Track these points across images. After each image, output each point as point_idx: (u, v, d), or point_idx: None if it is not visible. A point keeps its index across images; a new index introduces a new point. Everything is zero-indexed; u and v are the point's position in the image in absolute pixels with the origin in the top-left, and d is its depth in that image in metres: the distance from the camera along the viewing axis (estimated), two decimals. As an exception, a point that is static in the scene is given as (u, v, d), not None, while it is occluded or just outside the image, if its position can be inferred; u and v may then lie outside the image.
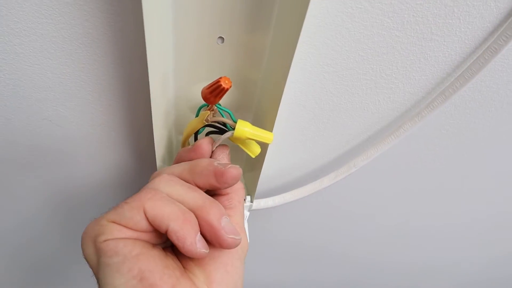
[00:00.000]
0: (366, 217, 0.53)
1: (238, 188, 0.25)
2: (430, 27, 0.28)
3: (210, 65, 0.27)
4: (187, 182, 0.22)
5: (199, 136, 0.27)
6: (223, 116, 0.24)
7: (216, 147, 0.25)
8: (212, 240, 0.20)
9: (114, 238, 0.19)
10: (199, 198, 0.21)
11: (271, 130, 0.27)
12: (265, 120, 0.28)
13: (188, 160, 0.24)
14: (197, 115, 0.26)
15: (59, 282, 0.57)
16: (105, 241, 0.19)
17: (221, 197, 0.24)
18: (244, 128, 0.23)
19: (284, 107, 0.33)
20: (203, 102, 0.24)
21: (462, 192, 0.51)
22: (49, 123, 0.31)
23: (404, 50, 0.29)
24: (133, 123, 0.32)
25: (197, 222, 0.20)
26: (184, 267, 0.21)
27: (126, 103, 0.30)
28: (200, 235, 0.20)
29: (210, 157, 0.25)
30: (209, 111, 0.24)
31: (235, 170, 0.22)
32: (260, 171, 0.32)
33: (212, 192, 0.25)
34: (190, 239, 0.19)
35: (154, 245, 0.21)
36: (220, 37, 0.25)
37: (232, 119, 0.24)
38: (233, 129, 0.24)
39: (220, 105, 0.24)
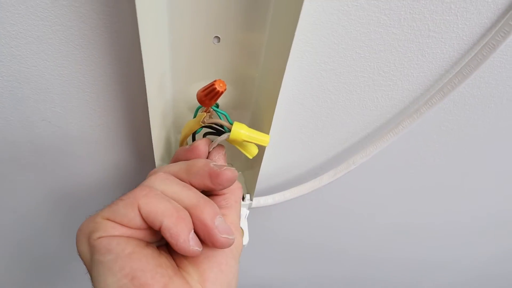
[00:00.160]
0: (365, 214, 0.53)
1: (235, 188, 0.25)
2: (427, 24, 0.27)
3: (207, 64, 0.27)
4: (183, 181, 0.23)
5: (197, 135, 0.28)
6: (220, 118, 0.24)
7: (213, 148, 0.25)
8: (205, 239, 0.20)
9: (108, 236, 0.19)
10: (193, 196, 0.21)
11: (269, 128, 0.27)
12: (263, 119, 0.28)
13: (185, 160, 0.24)
14: (195, 116, 0.26)
15: (58, 280, 0.58)
16: (99, 238, 0.19)
17: (218, 196, 0.24)
18: (240, 130, 0.24)
19: (282, 105, 0.33)
20: (201, 103, 0.24)
21: (461, 189, 0.51)
22: (48, 124, 0.31)
23: (402, 47, 0.29)
24: (131, 123, 0.32)
25: (191, 220, 0.20)
26: (178, 266, 0.21)
27: (124, 104, 0.30)
28: (194, 233, 0.20)
29: (207, 157, 0.25)
30: (205, 113, 0.24)
31: (230, 172, 0.22)
32: (259, 169, 0.32)
33: (209, 192, 0.25)
34: (183, 236, 0.19)
35: (148, 243, 0.21)
36: (216, 37, 0.25)
37: (228, 121, 0.24)
38: (230, 131, 0.24)
39: (217, 107, 0.24)
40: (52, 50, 0.26)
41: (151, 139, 0.28)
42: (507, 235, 0.68)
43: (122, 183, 0.39)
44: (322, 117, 0.35)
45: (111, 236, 0.19)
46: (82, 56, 0.26)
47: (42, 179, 0.38)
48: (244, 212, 0.36)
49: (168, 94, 0.28)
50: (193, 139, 0.28)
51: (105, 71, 0.27)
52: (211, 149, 0.25)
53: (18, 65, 0.26)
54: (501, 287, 0.91)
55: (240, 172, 0.38)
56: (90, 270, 0.20)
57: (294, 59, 0.29)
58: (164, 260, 0.20)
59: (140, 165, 0.37)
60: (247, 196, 0.36)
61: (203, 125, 0.24)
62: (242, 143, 0.24)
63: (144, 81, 0.23)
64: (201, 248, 0.20)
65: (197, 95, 0.23)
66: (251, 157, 0.25)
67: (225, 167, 0.22)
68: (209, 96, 0.22)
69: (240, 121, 0.32)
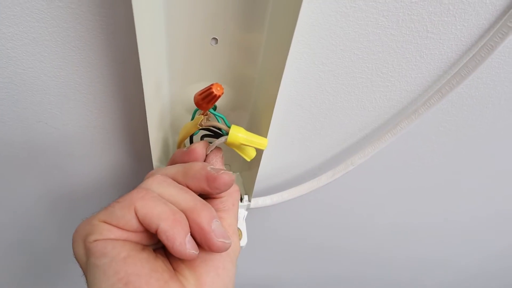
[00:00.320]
0: (364, 214, 0.53)
1: (233, 191, 0.25)
2: (426, 25, 0.27)
3: (204, 66, 0.27)
4: (180, 184, 0.22)
5: (194, 137, 0.27)
6: (218, 121, 0.24)
7: (210, 151, 0.25)
8: (201, 243, 0.20)
9: (104, 239, 0.19)
10: (190, 199, 0.21)
11: (267, 129, 0.27)
12: (261, 120, 0.28)
13: (182, 163, 0.24)
14: (192, 118, 0.26)
15: (58, 280, 0.58)
16: (94, 241, 0.19)
17: (215, 199, 0.24)
18: (237, 134, 0.23)
19: (280, 106, 0.33)
20: (198, 104, 0.24)
21: (460, 189, 0.51)
22: (44, 125, 0.31)
23: (400, 48, 0.29)
24: (128, 125, 0.32)
25: (187, 223, 0.20)
26: (174, 270, 0.21)
27: (121, 105, 0.30)
28: (190, 236, 0.20)
29: (204, 160, 0.25)
30: (203, 116, 0.24)
31: (228, 176, 0.22)
32: (258, 170, 0.32)
33: (206, 195, 0.25)
34: (179, 239, 0.19)
35: (144, 247, 0.21)
36: (214, 38, 0.25)
37: (226, 124, 0.24)
38: (227, 134, 0.24)
39: (214, 109, 0.24)
40: (49, 51, 0.25)
41: (149, 140, 0.28)
42: (505, 233, 0.68)
43: (119, 183, 0.39)
44: (320, 118, 0.35)
45: (106, 239, 0.19)
46: (78, 57, 0.26)
47: (39, 180, 0.37)
48: (242, 213, 0.36)
49: (165, 95, 0.28)
50: (191, 141, 0.28)
51: (102, 72, 0.27)
52: (208, 152, 0.25)
53: (14, 66, 0.26)
54: (500, 285, 0.92)
55: (238, 173, 0.38)
56: (85, 273, 0.20)
57: (292, 61, 0.28)
58: (160, 264, 0.20)
59: (137, 166, 0.37)
60: (245, 197, 0.36)
61: (200, 127, 0.24)
62: (239, 146, 0.24)
63: (141, 83, 0.23)
64: (198, 252, 0.20)
65: (194, 98, 0.23)
66: (249, 160, 0.25)
67: (222, 171, 0.22)
68: (206, 99, 0.22)
69: (238, 122, 0.32)
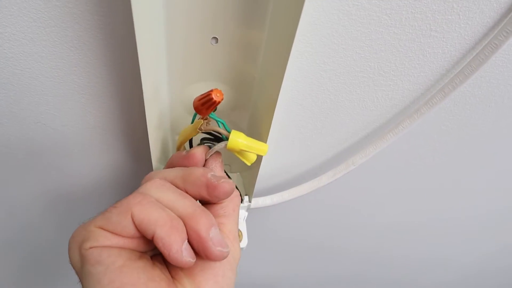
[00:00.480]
0: (365, 214, 0.53)
1: (233, 196, 0.24)
2: (429, 24, 0.27)
3: (204, 66, 0.26)
4: (179, 189, 0.22)
5: (194, 139, 0.27)
6: (218, 125, 0.24)
7: (210, 156, 0.25)
8: (199, 251, 0.20)
9: (99, 246, 0.19)
10: (189, 206, 0.20)
11: (268, 130, 0.27)
12: (262, 120, 0.28)
13: (181, 166, 0.24)
14: (192, 121, 0.25)
15: (56, 280, 0.58)
16: (90, 248, 0.19)
17: (215, 205, 0.24)
18: (238, 139, 0.23)
19: (281, 106, 0.32)
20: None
21: (461, 188, 0.51)
22: (42, 126, 0.31)
23: (403, 47, 0.28)
24: (127, 125, 0.32)
25: (185, 230, 0.19)
26: (173, 277, 0.21)
27: (120, 105, 0.30)
28: (187, 244, 0.19)
29: (204, 165, 0.24)
30: (202, 120, 0.24)
31: (228, 185, 0.21)
32: (258, 170, 0.32)
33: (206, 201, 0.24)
34: (176, 246, 0.18)
35: (141, 254, 0.20)
36: (214, 38, 0.25)
37: (226, 129, 0.24)
38: (227, 139, 0.23)
39: (214, 114, 0.24)
40: (46, 52, 0.25)
41: (148, 141, 0.27)
42: (506, 232, 0.68)
43: (118, 183, 0.39)
44: (321, 118, 0.34)
45: (102, 246, 0.19)
46: (76, 57, 0.26)
47: (37, 181, 0.37)
48: (243, 214, 0.36)
49: (165, 95, 0.28)
50: (190, 144, 0.27)
51: (100, 72, 0.27)
52: (208, 157, 0.25)
53: (12, 67, 0.26)
54: (501, 283, 0.92)
55: (238, 173, 0.38)
56: (81, 280, 0.19)
57: (293, 60, 0.28)
58: (157, 273, 0.20)
59: (136, 166, 0.37)
60: (246, 198, 0.35)
61: (200, 131, 0.24)
62: (240, 151, 0.24)
63: (141, 82, 0.22)
64: (195, 259, 0.19)
65: (193, 103, 0.23)
66: (249, 164, 0.25)
67: (223, 180, 0.21)
68: (205, 105, 0.21)
69: (238, 122, 0.32)
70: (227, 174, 0.28)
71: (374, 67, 0.30)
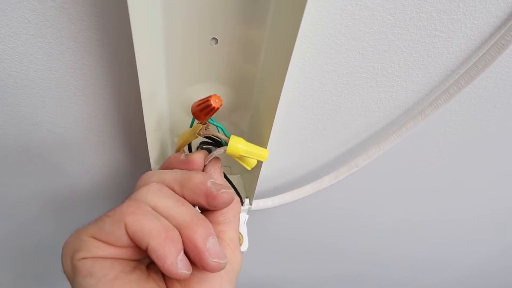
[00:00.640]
0: (366, 215, 0.53)
1: (234, 203, 0.24)
2: (434, 23, 0.26)
3: (204, 67, 0.26)
4: (176, 194, 0.21)
5: (193, 142, 0.26)
6: (217, 130, 0.23)
7: (209, 161, 0.24)
8: (195, 261, 0.19)
9: (92, 257, 0.18)
10: (187, 214, 0.20)
11: (269, 131, 0.26)
12: (263, 121, 0.27)
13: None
14: (191, 125, 0.25)
15: (55, 280, 0.57)
16: (82, 259, 0.18)
17: (215, 211, 0.23)
18: (237, 145, 0.22)
19: (282, 107, 0.32)
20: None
21: (465, 189, 0.50)
22: (39, 129, 0.30)
23: (407, 47, 0.28)
24: (125, 126, 0.31)
25: (180, 241, 0.19)
26: None
27: (118, 106, 0.29)
28: (183, 255, 0.19)
29: (202, 170, 0.24)
30: (201, 125, 0.23)
31: (227, 196, 0.21)
32: (259, 172, 0.31)
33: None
34: (170, 258, 0.18)
35: (135, 266, 0.20)
36: (214, 38, 0.24)
37: (225, 134, 0.23)
38: (227, 144, 0.23)
39: (213, 118, 0.23)
40: (42, 53, 0.24)
41: (146, 142, 0.27)
42: (508, 233, 0.67)
43: (116, 184, 0.38)
44: (323, 119, 0.34)
45: (95, 257, 0.18)
46: (73, 59, 0.25)
47: (34, 183, 0.37)
48: (243, 216, 0.36)
49: (163, 97, 0.27)
50: (189, 148, 0.27)
51: (97, 74, 0.26)
52: (207, 162, 0.24)
53: (7, 69, 0.25)
54: (501, 284, 0.91)
55: (239, 175, 0.37)
56: None
57: (295, 60, 0.28)
58: (151, 285, 0.19)
59: (135, 168, 0.36)
60: (246, 201, 0.35)
61: (199, 136, 0.23)
62: (239, 156, 0.23)
63: (138, 84, 0.22)
64: (190, 271, 0.19)
65: (192, 108, 0.22)
66: (249, 169, 0.24)
67: (222, 190, 0.21)
68: (204, 111, 0.21)
69: (239, 124, 0.31)
70: (227, 178, 0.27)
71: (378, 68, 0.29)
